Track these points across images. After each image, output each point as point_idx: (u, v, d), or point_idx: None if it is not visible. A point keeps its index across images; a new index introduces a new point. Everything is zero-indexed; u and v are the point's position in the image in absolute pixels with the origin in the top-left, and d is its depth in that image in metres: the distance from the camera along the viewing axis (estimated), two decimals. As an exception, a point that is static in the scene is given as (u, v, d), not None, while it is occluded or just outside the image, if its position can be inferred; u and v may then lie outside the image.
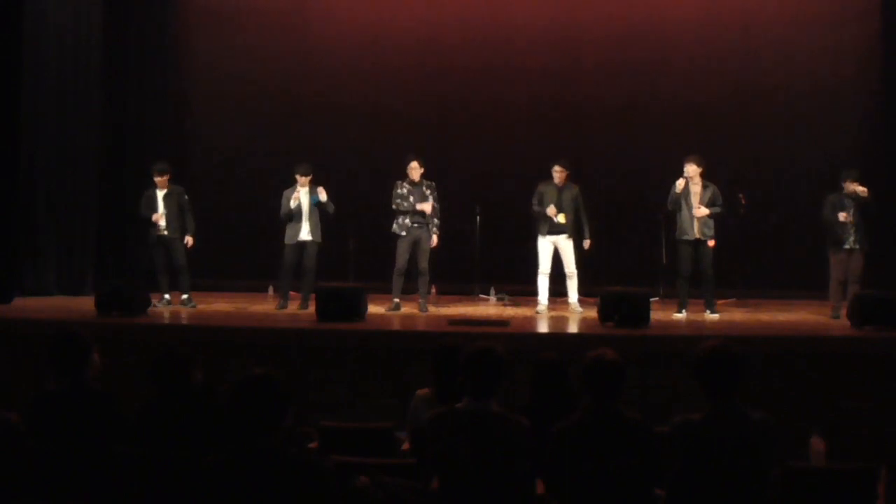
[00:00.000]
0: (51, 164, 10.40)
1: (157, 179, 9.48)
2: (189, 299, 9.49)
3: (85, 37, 10.75)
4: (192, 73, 12.06)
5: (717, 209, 8.95)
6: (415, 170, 9.19)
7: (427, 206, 9.16)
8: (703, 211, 8.86)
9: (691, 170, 8.90)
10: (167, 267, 9.56)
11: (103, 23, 10.97)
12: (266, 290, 10.84)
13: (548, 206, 9.16)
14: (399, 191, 9.27)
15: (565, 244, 9.20)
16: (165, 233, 9.47)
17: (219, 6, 12.04)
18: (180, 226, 9.53)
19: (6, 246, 9.35)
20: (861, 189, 8.78)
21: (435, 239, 9.27)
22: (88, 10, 10.78)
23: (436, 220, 9.27)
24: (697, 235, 8.91)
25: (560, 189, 9.21)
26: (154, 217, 9.46)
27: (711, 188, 8.96)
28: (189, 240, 9.55)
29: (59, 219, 10.50)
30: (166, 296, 9.52)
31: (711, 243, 8.91)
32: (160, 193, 9.49)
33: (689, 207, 8.88)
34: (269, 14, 11.91)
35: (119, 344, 7.09)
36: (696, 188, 8.95)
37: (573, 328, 8.33)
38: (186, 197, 9.65)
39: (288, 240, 9.35)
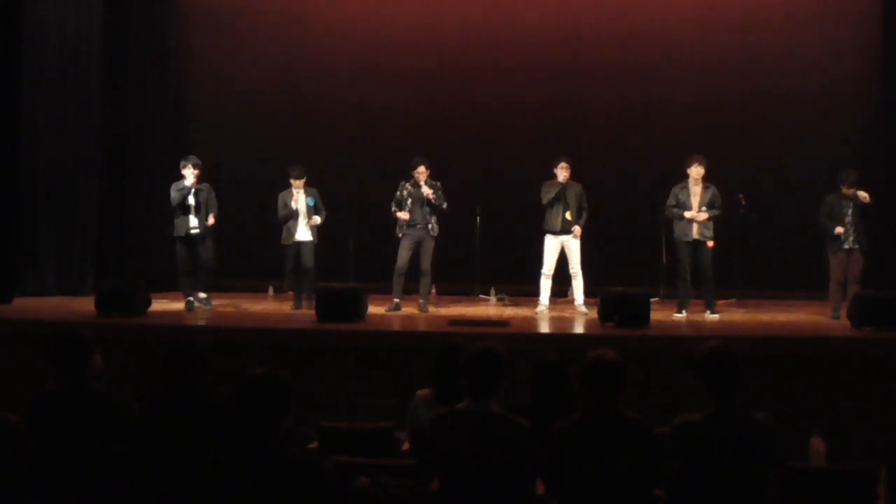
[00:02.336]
0: (51, 165, 10.41)
1: (191, 173, 9.11)
2: (207, 299, 9.28)
3: (85, 37, 10.75)
4: (191, 74, 12.06)
5: (717, 211, 8.95)
6: (421, 174, 9.20)
7: (426, 190, 9.12)
8: (703, 215, 8.86)
9: (698, 171, 8.90)
10: (193, 266, 9.23)
11: (103, 23, 10.97)
12: (266, 290, 10.87)
13: (557, 202, 9.10)
14: (399, 194, 9.28)
15: (572, 243, 9.18)
16: (197, 231, 9.16)
17: (219, 7, 12.05)
18: (207, 224, 9.21)
19: (6, 246, 9.35)
20: (863, 195, 8.77)
21: (427, 189, 9.13)
22: (88, 11, 10.79)
23: (438, 207, 9.24)
24: (696, 236, 8.91)
25: (565, 186, 9.20)
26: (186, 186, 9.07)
27: (712, 189, 8.96)
28: (211, 218, 9.18)
29: (59, 219, 10.50)
30: (203, 294, 9.27)
31: (711, 244, 8.91)
32: (191, 189, 9.14)
33: (689, 210, 8.90)
34: (270, 15, 11.91)
35: (119, 344, 7.08)
36: (696, 189, 8.96)
37: (573, 328, 8.33)
38: (213, 193, 9.35)
39: (284, 241, 9.48)
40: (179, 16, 11.96)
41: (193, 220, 9.14)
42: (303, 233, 9.42)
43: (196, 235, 9.17)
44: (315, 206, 9.46)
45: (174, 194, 9.13)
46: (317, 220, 9.43)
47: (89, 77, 10.83)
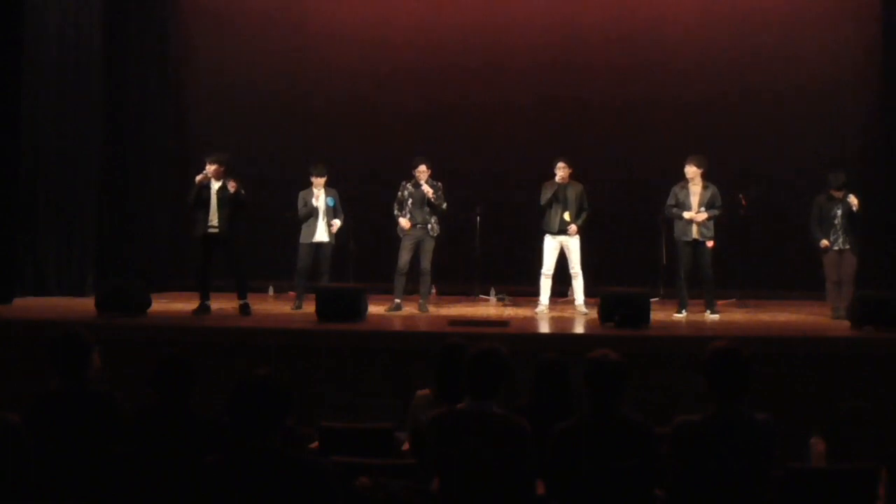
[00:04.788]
0: (51, 164, 10.41)
1: (210, 169, 8.51)
2: (246, 306, 8.62)
3: (85, 37, 10.76)
4: (192, 74, 12.06)
5: (716, 211, 8.93)
6: (422, 173, 9.21)
7: (426, 189, 9.13)
8: (702, 216, 8.85)
9: (691, 171, 8.90)
10: (211, 268, 8.72)
11: (103, 23, 10.97)
12: (266, 291, 10.85)
13: (555, 203, 9.09)
14: (400, 193, 9.29)
15: (571, 243, 9.17)
16: (216, 230, 8.57)
17: (219, 6, 12.05)
18: (232, 223, 8.61)
19: (6, 246, 9.35)
20: (853, 201, 8.77)
21: (428, 188, 9.14)
22: (89, 10, 10.79)
23: (438, 207, 9.23)
24: (696, 236, 8.90)
25: (565, 187, 9.19)
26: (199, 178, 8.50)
27: (711, 189, 8.95)
28: (233, 184, 8.42)
29: (59, 219, 10.50)
30: (241, 300, 8.64)
31: (710, 244, 8.90)
32: (214, 185, 8.57)
33: (688, 210, 8.89)
34: (270, 14, 11.91)
35: (119, 344, 7.08)
36: (696, 188, 8.95)
37: (573, 329, 8.33)
38: (244, 192, 8.67)
39: (303, 239, 9.42)
40: (179, 15, 11.97)
41: (213, 219, 8.57)
42: (322, 233, 9.38)
43: (215, 236, 8.60)
44: (335, 206, 9.44)
45: (192, 189, 8.65)
46: (337, 223, 9.40)
47: (89, 77, 10.83)
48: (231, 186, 8.50)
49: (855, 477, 4.23)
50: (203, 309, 8.63)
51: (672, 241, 9.27)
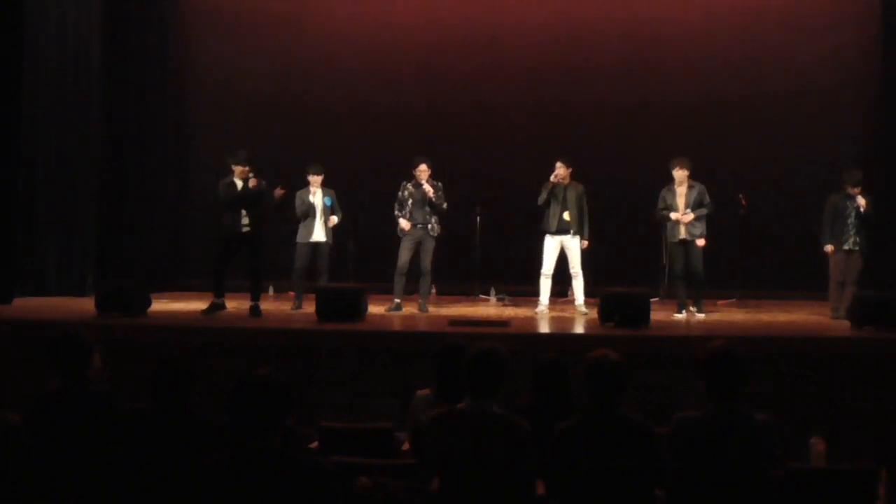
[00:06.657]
0: (51, 164, 10.41)
1: (237, 169, 8.60)
2: (257, 308, 8.60)
3: (85, 37, 10.76)
4: (192, 74, 12.07)
5: (704, 210, 8.91)
6: (423, 173, 9.21)
7: (427, 188, 9.12)
8: (688, 216, 8.84)
9: (679, 175, 8.89)
10: (230, 267, 8.71)
11: (103, 23, 10.97)
12: (266, 290, 10.85)
13: (554, 202, 9.08)
14: (401, 194, 9.29)
15: (572, 243, 9.15)
16: (248, 229, 8.58)
17: (219, 6, 12.06)
18: (260, 222, 8.66)
19: (6, 246, 9.35)
20: (863, 202, 8.75)
21: (429, 187, 9.15)
22: (88, 11, 10.80)
23: (438, 207, 9.23)
24: (684, 236, 8.89)
25: (565, 187, 9.18)
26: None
27: (697, 188, 8.94)
28: (279, 191, 8.78)
29: (59, 219, 10.50)
30: (253, 301, 8.65)
31: (701, 242, 8.88)
32: (241, 184, 8.60)
33: (676, 211, 8.88)
34: (270, 16, 11.92)
35: (119, 344, 7.08)
36: (682, 189, 8.94)
37: (573, 329, 8.32)
38: (264, 182, 8.71)
39: (300, 238, 9.43)
40: (179, 16, 11.97)
41: (244, 219, 8.57)
42: (319, 233, 9.39)
43: (245, 235, 8.59)
44: (332, 206, 9.46)
45: (221, 189, 8.63)
46: (334, 219, 9.42)
47: (90, 77, 10.84)
48: (252, 183, 8.53)
49: (855, 477, 4.23)
50: (215, 307, 8.60)
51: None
